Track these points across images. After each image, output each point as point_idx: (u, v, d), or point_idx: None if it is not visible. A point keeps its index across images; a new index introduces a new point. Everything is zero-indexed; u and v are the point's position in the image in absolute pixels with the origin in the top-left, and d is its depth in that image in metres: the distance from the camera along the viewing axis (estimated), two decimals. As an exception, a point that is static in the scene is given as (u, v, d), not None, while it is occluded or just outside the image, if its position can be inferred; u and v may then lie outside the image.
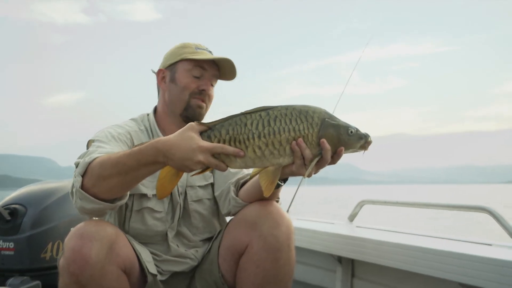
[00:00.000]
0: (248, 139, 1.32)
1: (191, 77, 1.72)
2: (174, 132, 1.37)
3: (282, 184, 1.52)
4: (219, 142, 1.33)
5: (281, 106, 1.35)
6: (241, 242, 1.58)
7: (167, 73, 1.76)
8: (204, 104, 1.75)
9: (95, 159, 1.39)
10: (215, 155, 1.32)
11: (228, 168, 1.35)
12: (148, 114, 1.82)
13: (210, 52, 1.77)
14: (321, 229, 2.34)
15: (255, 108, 1.35)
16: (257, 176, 1.49)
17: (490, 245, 1.80)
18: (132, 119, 1.80)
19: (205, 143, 1.30)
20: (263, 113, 1.33)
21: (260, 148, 1.32)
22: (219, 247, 1.68)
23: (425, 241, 1.91)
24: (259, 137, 1.32)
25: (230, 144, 1.33)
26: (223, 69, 1.76)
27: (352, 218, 2.57)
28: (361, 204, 2.56)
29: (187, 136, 1.30)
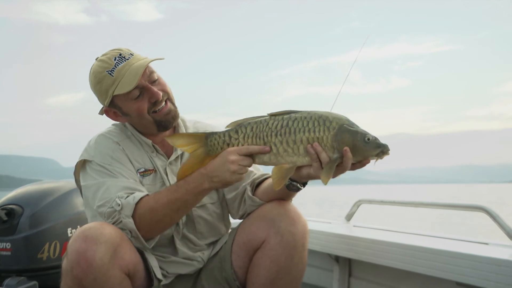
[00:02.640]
0: (267, 136, 1.41)
1: (135, 101, 1.61)
2: (156, 132, 1.68)
3: (302, 187, 1.54)
4: (244, 137, 1.45)
5: (305, 111, 1.42)
6: (258, 238, 1.60)
7: (115, 110, 1.68)
8: (167, 107, 1.66)
9: (139, 201, 1.49)
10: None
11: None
12: None
13: (120, 55, 1.61)
14: (318, 229, 2.34)
15: (281, 111, 1.44)
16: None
17: (487, 244, 1.81)
18: (115, 125, 1.77)
19: (232, 153, 1.43)
20: (286, 116, 1.42)
21: (275, 145, 1.41)
22: (232, 244, 1.69)
23: (422, 240, 1.92)
24: (276, 135, 1.41)
25: (252, 140, 1.43)
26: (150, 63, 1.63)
27: (349, 217, 2.57)
28: (358, 204, 2.56)
29: (222, 155, 1.45)
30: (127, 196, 1.51)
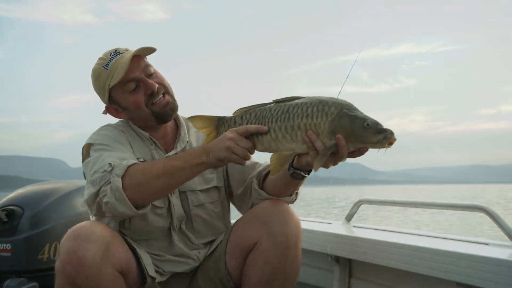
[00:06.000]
0: (268, 122, 1.40)
1: (131, 94, 1.64)
2: (156, 126, 1.69)
3: (307, 175, 1.52)
4: (247, 123, 1.44)
5: (309, 97, 1.38)
6: (250, 239, 1.60)
7: (115, 106, 1.70)
8: (165, 99, 1.67)
9: (133, 164, 1.46)
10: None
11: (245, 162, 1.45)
12: None
13: (115, 51, 1.65)
14: (318, 229, 2.34)
15: (286, 97, 1.42)
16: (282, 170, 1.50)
17: (487, 244, 1.81)
18: (121, 120, 1.78)
19: (231, 131, 1.43)
20: (288, 102, 1.39)
21: (275, 131, 1.38)
22: (226, 244, 1.69)
23: (422, 241, 1.92)
24: (276, 120, 1.38)
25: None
26: (141, 51, 1.66)
27: (349, 218, 2.57)
28: (358, 204, 2.56)
29: (222, 134, 1.46)
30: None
